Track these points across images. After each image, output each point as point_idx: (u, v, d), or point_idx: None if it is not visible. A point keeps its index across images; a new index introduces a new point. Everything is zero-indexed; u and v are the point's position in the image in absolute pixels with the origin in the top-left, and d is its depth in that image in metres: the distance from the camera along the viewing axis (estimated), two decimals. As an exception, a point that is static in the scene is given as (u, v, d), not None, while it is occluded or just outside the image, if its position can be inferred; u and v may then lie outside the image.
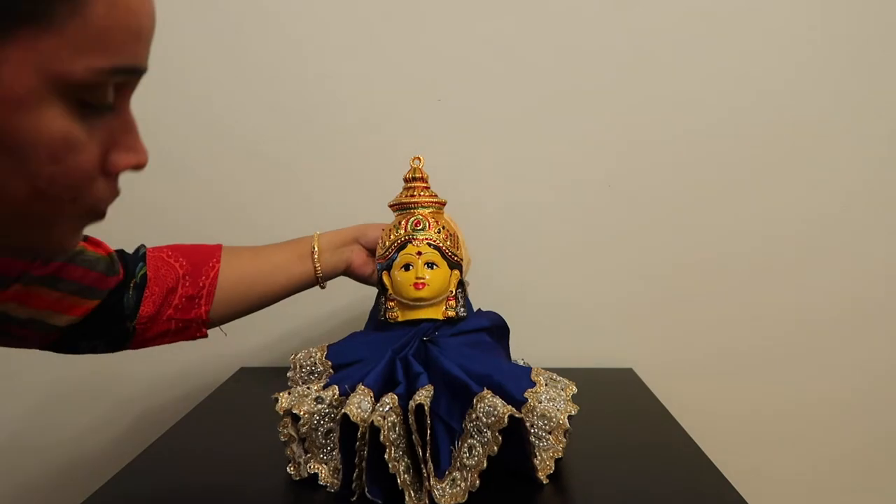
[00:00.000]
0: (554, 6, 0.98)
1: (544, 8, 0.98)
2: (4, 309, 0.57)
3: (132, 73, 0.38)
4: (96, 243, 0.66)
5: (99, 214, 0.41)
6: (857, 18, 0.98)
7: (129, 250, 0.70)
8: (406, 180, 0.74)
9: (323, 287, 0.79)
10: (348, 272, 0.79)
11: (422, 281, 0.68)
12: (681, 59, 0.99)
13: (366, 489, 0.59)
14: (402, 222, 0.71)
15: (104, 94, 0.36)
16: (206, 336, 0.73)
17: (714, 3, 0.98)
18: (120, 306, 0.65)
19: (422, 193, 0.73)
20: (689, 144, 1.01)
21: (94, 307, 0.64)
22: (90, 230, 0.43)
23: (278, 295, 0.77)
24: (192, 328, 0.71)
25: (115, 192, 0.41)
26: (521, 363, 0.74)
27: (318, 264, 0.76)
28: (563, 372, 0.71)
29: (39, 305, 0.59)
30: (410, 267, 0.68)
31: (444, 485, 0.59)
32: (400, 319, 0.70)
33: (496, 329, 0.74)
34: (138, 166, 0.41)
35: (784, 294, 1.05)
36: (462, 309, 0.71)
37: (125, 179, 0.41)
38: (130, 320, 0.67)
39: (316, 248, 0.76)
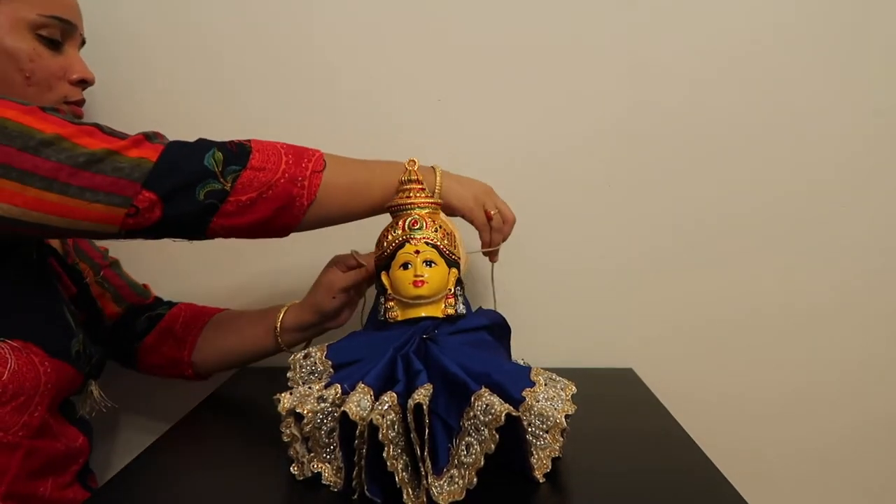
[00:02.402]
0: (556, 6, 0.98)
1: (545, 6, 0.98)
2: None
3: (64, 22, 0.76)
4: (145, 285, 0.96)
5: (74, 111, 0.78)
6: (851, 18, 0.98)
7: None
8: (401, 183, 0.74)
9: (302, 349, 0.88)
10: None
11: (420, 279, 0.68)
12: (685, 59, 0.99)
13: (365, 487, 0.59)
14: (400, 222, 0.71)
15: (52, 32, 0.75)
16: (196, 379, 0.92)
17: (717, 6, 0.98)
18: (133, 326, 0.90)
19: (418, 195, 0.73)
20: (689, 143, 1.01)
21: (119, 314, 0.90)
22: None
23: (250, 359, 0.92)
24: (179, 366, 0.91)
25: (78, 95, 0.78)
26: (521, 363, 0.74)
27: (282, 344, 0.88)
28: (563, 372, 0.71)
29: (94, 293, 0.86)
30: (409, 265, 0.69)
31: (441, 482, 0.59)
32: (400, 318, 0.70)
33: (496, 328, 0.74)
34: (86, 80, 0.78)
35: (785, 294, 1.05)
36: (461, 306, 0.71)
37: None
38: (136, 342, 0.90)
39: (278, 329, 0.87)
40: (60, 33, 0.76)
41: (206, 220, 0.63)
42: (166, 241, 0.68)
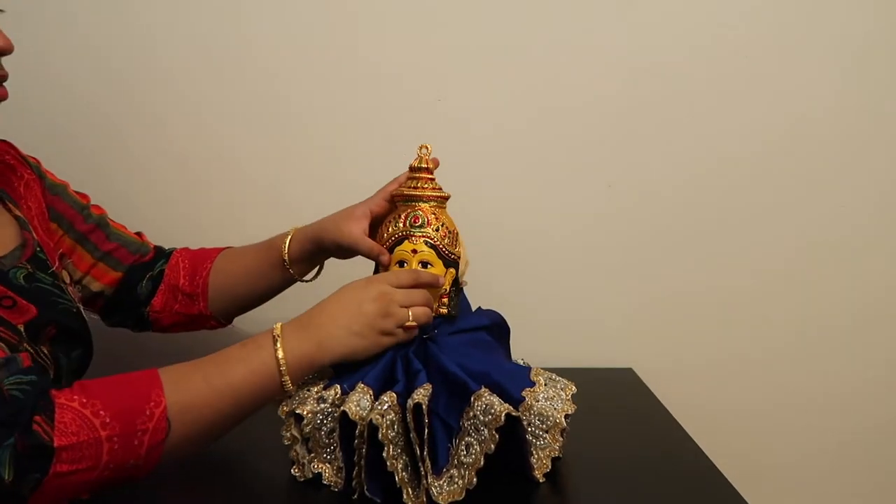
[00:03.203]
0: (555, 6, 0.98)
1: (546, 8, 0.98)
2: (66, 266, 0.75)
3: None
4: (139, 234, 0.85)
5: None
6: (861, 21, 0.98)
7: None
8: (412, 169, 0.72)
9: (314, 277, 0.81)
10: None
11: None
12: (683, 60, 0.99)
13: (365, 487, 0.59)
14: (402, 216, 0.69)
15: None
16: (223, 325, 0.84)
17: (716, 5, 0.98)
18: (135, 293, 0.80)
19: (425, 186, 0.70)
20: (690, 145, 1.01)
21: (119, 279, 0.80)
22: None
23: (271, 296, 0.83)
24: (200, 321, 0.83)
25: None
26: (521, 363, 0.74)
27: (295, 276, 0.79)
28: (563, 372, 0.71)
29: (83, 267, 0.78)
30: (405, 264, 0.68)
31: (441, 482, 0.59)
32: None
33: (496, 328, 0.74)
34: (2, 49, 0.61)
35: (783, 294, 1.05)
36: (454, 308, 0.70)
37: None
38: (144, 307, 0.81)
39: (287, 262, 0.77)
40: None
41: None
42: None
